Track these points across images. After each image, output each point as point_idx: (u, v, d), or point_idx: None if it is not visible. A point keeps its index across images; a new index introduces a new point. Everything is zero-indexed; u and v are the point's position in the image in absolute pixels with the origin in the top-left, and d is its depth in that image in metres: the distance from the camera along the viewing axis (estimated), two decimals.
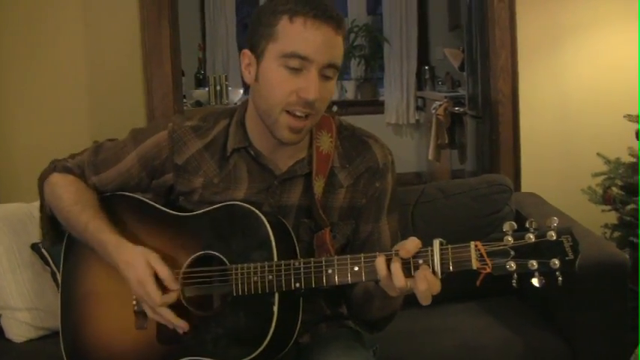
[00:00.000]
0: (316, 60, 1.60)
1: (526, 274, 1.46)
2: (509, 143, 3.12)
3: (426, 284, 1.49)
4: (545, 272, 1.44)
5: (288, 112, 1.64)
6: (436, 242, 1.51)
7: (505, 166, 3.12)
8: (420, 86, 7.36)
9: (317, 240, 1.76)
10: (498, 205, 2.68)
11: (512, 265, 1.45)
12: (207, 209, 1.75)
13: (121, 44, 3.36)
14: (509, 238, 1.46)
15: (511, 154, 3.12)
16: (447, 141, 5.39)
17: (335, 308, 1.91)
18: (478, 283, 1.48)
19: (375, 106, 7.52)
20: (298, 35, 1.61)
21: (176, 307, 1.66)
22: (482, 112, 3.59)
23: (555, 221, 1.45)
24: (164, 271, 1.64)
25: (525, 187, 3.33)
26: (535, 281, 1.45)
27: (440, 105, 5.56)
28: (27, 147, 3.34)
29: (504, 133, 3.12)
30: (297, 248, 1.69)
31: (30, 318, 2.40)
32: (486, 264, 1.47)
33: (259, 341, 1.61)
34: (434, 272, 1.49)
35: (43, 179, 1.89)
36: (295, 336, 1.67)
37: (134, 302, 1.75)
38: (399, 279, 1.50)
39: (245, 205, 1.68)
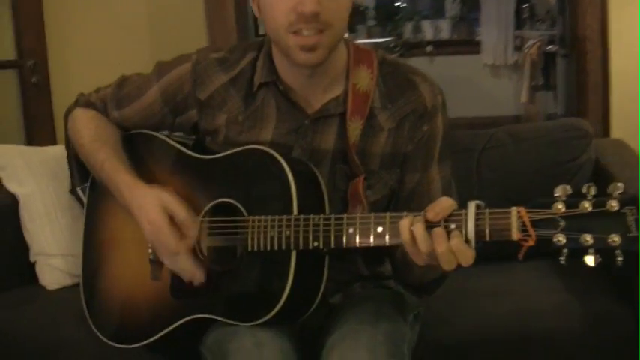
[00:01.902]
0: None
1: (578, 250, 1.20)
2: (597, 84, 2.79)
3: (453, 253, 1.27)
4: (602, 249, 1.18)
5: (295, 32, 1.46)
6: (472, 205, 1.28)
7: (592, 109, 2.81)
8: (518, 25, 6.92)
9: (351, 190, 1.56)
10: (575, 153, 2.39)
11: (560, 239, 1.20)
12: (228, 152, 1.59)
13: None
14: (560, 206, 1.20)
15: (599, 96, 2.80)
16: (541, 82, 5.04)
17: (374, 267, 1.72)
18: (520, 256, 1.24)
19: (471, 46, 7.14)
20: None
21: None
22: (570, 50, 3.29)
23: (619, 189, 1.18)
24: (181, 214, 1.50)
25: (615, 132, 2.99)
26: (589, 259, 1.20)
27: (533, 44, 5.21)
28: (87, 86, 3.27)
29: (592, 73, 2.80)
30: (327, 200, 1.50)
31: (64, 264, 2.29)
32: (529, 235, 1.22)
33: (273, 303, 1.45)
34: (467, 240, 1.26)
35: (67, 114, 1.79)
36: (318, 298, 1.50)
37: (149, 250, 1.63)
38: (423, 243, 1.28)
39: (266, 149, 1.51)
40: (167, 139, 1.71)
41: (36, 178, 2.34)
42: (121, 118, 1.74)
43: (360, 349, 1.43)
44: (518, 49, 6.81)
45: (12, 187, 2.36)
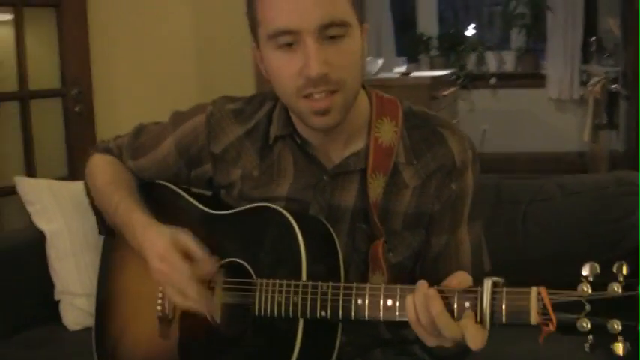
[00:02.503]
0: (304, 27, 1.29)
1: (605, 337, 1.07)
2: None
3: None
4: (633, 339, 1.05)
5: (305, 96, 1.34)
6: (488, 282, 1.15)
7: None
8: (585, 59, 6.74)
9: (371, 252, 1.45)
10: (626, 211, 2.20)
11: (585, 324, 1.07)
12: (240, 209, 1.50)
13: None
14: (586, 287, 1.08)
15: None
16: (604, 121, 4.84)
17: (397, 330, 1.57)
18: (540, 339, 1.11)
19: (536, 79, 6.95)
20: (273, 8, 1.32)
21: (199, 324, 1.45)
22: (631, 90, 3.12)
23: None
24: (194, 247, 1.41)
25: None
26: (618, 347, 1.06)
27: (597, 81, 5.01)
28: (130, 116, 3.26)
29: None
30: (342, 265, 1.39)
31: (88, 305, 2.21)
32: (550, 319, 1.09)
33: None
34: (481, 321, 1.14)
35: (85, 161, 1.73)
36: None
37: (158, 306, 1.55)
38: (443, 323, 1.17)
39: (278, 209, 1.41)
40: (181, 192, 1.64)
41: (64, 214, 2.31)
42: (137, 168, 1.68)
43: None
44: (584, 83, 6.62)
45: (40, 223, 2.33)
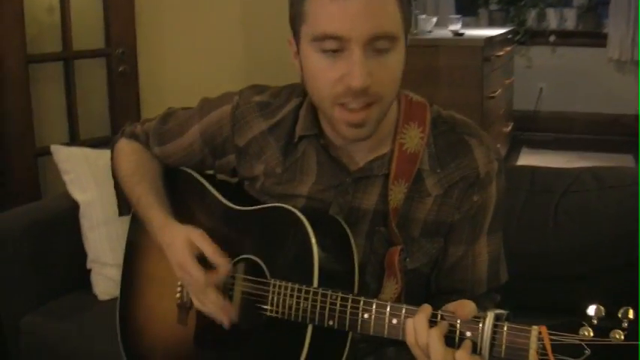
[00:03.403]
0: (354, 36, 1.25)
1: None
2: None
3: None
4: None
5: (341, 104, 1.31)
6: (490, 316, 1.13)
7: None
8: None
9: (387, 258, 1.44)
10: None
11: None
12: (260, 207, 1.51)
13: None
14: (587, 332, 1.05)
15: None
16: None
17: None
18: None
19: (597, 38, 6.75)
20: (325, 10, 1.26)
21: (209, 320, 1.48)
22: None
23: None
24: (209, 249, 1.44)
25: None
26: None
27: None
28: (174, 78, 3.28)
29: None
30: (357, 271, 1.39)
31: (118, 275, 2.21)
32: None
33: None
34: (480, 353, 1.13)
35: (113, 144, 1.75)
36: None
37: (178, 293, 1.59)
38: (435, 349, 1.16)
39: (295, 212, 1.41)
40: (205, 182, 1.65)
41: (98, 184, 2.33)
42: (163, 154, 1.68)
43: None
44: None
45: (74, 192, 2.36)
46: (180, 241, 1.47)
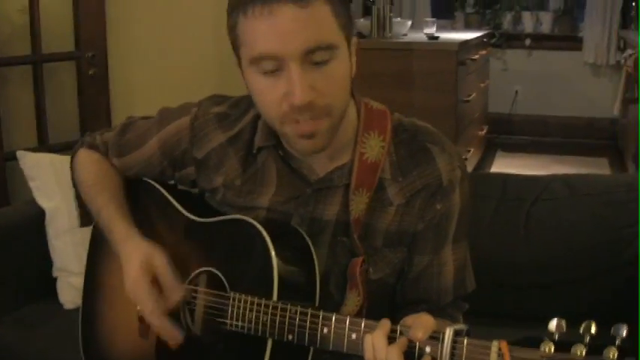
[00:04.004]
0: (288, 53, 1.22)
1: None
2: None
3: None
4: None
5: (290, 121, 1.30)
6: (449, 331, 1.12)
7: None
8: (624, 24, 6.55)
9: (349, 269, 1.42)
10: (632, 219, 2.09)
11: None
12: (219, 219, 1.48)
13: None
14: (548, 347, 1.04)
15: None
16: (635, 95, 4.69)
17: None
18: None
19: (573, 42, 6.81)
20: (256, 31, 1.24)
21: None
22: None
23: (624, 330, 1.01)
24: (165, 274, 1.41)
25: None
26: None
27: (630, 55, 4.85)
28: (145, 81, 3.26)
29: None
30: (318, 281, 1.36)
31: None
32: None
33: None
34: None
35: (73, 154, 1.72)
36: None
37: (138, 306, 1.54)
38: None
39: (253, 222, 1.39)
40: (166, 193, 1.61)
41: (64, 191, 2.29)
42: (122, 166, 1.66)
43: None
44: (621, 49, 6.43)
45: (40, 199, 2.33)
46: (137, 261, 1.43)
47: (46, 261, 2.32)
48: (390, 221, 1.42)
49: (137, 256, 1.44)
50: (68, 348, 1.86)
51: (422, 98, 4.29)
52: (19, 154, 2.39)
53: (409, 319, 1.18)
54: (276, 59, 1.23)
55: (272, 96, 1.27)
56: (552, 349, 1.04)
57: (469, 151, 5.02)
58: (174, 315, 1.44)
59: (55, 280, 2.31)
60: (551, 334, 1.05)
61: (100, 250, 1.69)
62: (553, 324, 1.05)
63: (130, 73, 3.28)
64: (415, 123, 1.48)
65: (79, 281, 2.15)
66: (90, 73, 3.13)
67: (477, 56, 5.08)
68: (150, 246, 1.46)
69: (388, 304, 1.50)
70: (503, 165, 5.91)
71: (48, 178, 2.32)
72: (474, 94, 4.96)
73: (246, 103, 1.52)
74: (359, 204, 1.40)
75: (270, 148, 1.46)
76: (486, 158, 6.12)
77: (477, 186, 2.24)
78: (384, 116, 1.45)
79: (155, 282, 1.42)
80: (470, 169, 4.80)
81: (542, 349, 1.04)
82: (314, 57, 1.24)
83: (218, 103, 1.55)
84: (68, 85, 3.16)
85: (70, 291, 2.26)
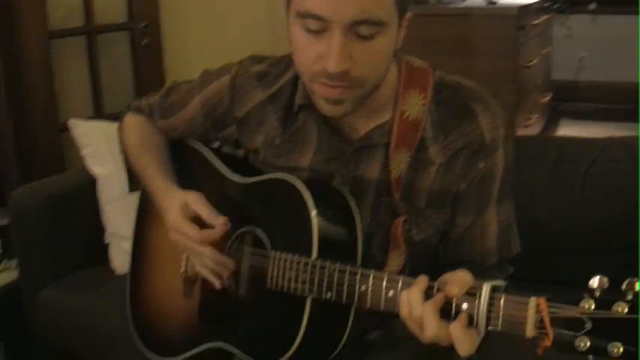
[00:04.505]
0: (336, 19, 1.19)
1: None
2: None
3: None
4: None
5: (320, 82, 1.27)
6: (486, 287, 1.09)
7: None
8: None
9: (392, 230, 1.40)
10: None
11: (584, 344, 1.00)
12: (259, 178, 1.48)
13: None
14: (589, 303, 1.00)
15: None
16: None
17: None
18: (539, 351, 1.04)
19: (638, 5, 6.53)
20: None
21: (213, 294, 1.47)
22: None
23: None
24: (205, 210, 1.41)
25: None
26: None
27: None
28: (199, 50, 3.25)
29: None
30: (359, 239, 1.35)
31: None
32: (546, 333, 1.02)
33: (285, 349, 1.32)
34: (476, 326, 1.08)
35: (120, 119, 1.75)
36: (339, 348, 1.36)
37: (182, 267, 1.58)
38: (429, 323, 1.12)
39: (292, 180, 1.38)
40: (210, 155, 1.62)
41: (116, 158, 2.29)
42: (166, 127, 1.67)
43: None
44: None
45: (93, 166, 2.36)
46: (176, 205, 1.45)
47: (99, 227, 2.35)
48: (432, 181, 1.39)
49: (176, 203, 1.45)
50: (117, 312, 1.91)
51: (482, 64, 4.21)
52: (71, 122, 2.42)
53: (446, 276, 1.16)
54: (322, 21, 1.21)
55: (308, 53, 1.25)
56: (593, 307, 0.99)
57: (531, 118, 4.91)
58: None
59: (107, 246, 2.33)
60: (592, 292, 1.01)
61: (146, 214, 1.72)
62: (595, 280, 1.01)
63: (182, 42, 3.29)
64: (458, 81, 1.44)
65: (130, 246, 2.20)
66: (143, 43, 3.14)
67: (537, 21, 4.95)
68: (188, 192, 1.47)
69: (431, 266, 1.46)
70: (567, 133, 5.76)
71: (100, 145, 2.35)
72: (535, 60, 4.84)
73: (286, 62, 1.50)
74: (399, 163, 1.37)
75: (310, 107, 1.43)
76: (549, 126, 5.97)
77: (533, 149, 2.20)
78: (425, 74, 1.41)
79: (196, 221, 1.43)
80: None
81: (582, 306, 1.00)
82: (360, 29, 1.21)
83: (258, 61, 1.54)
84: (123, 56, 3.18)
85: (121, 256, 2.29)
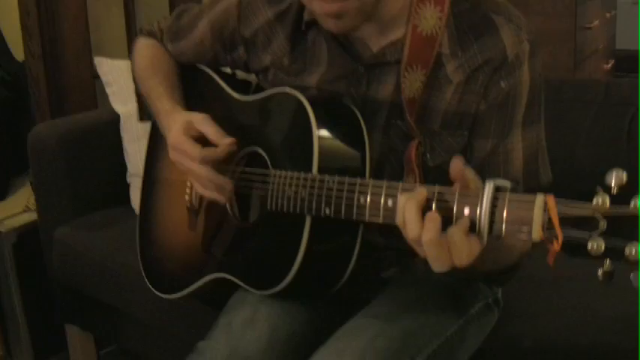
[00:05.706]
0: None
1: (622, 263, 0.87)
2: None
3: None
4: None
5: None
6: (489, 186, 0.95)
7: None
8: None
9: (405, 153, 1.29)
10: None
11: (597, 246, 0.86)
12: (262, 96, 1.40)
13: None
14: (603, 200, 0.87)
15: None
16: None
17: None
18: (550, 261, 0.92)
19: None
20: None
21: (220, 215, 1.42)
22: None
23: None
24: (211, 129, 1.33)
25: None
26: (633, 277, 0.86)
27: None
28: None
29: None
30: (368, 156, 1.25)
31: None
32: (555, 235, 0.89)
33: (283, 274, 1.24)
34: (479, 231, 0.95)
35: (133, 44, 1.71)
36: (347, 274, 1.27)
37: (187, 196, 1.52)
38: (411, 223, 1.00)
39: (294, 94, 1.29)
40: (218, 78, 1.56)
41: None
42: (176, 51, 1.61)
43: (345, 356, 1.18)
44: None
45: (116, 104, 2.30)
46: (178, 125, 1.37)
47: (123, 167, 2.29)
48: (449, 101, 1.28)
49: (179, 121, 1.39)
50: (129, 251, 1.85)
51: (538, 21, 4.03)
52: (97, 60, 2.37)
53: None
54: None
55: None
56: (608, 203, 0.86)
57: None
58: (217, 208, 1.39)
59: (128, 185, 2.27)
60: (607, 188, 0.88)
61: (155, 147, 1.68)
62: (612, 175, 0.88)
63: None
64: None
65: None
66: None
67: None
68: (192, 112, 1.41)
69: None
70: None
71: (124, 83, 2.28)
72: (596, 22, 4.63)
73: None
74: (413, 82, 1.26)
75: (319, 26, 1.34)
76: None
77: (576, 91, 2.05)
78: None
79: (200, 141, 1.35)
80: None
81: (595, 202, 0.87)
82: None
83: None
84: (159, 2, 3.11)
85: None
